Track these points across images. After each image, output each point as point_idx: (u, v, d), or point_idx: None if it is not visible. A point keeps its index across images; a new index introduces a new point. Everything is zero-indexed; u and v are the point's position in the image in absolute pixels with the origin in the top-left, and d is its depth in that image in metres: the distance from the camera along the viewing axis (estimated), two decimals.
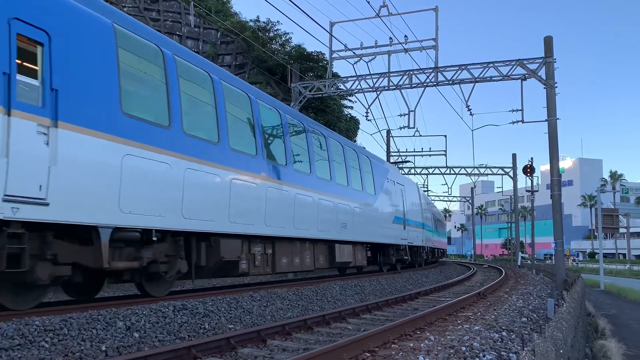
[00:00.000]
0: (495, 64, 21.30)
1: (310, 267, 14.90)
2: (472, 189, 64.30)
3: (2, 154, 6.38)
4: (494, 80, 21.62)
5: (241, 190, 11.07)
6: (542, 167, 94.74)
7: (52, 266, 7.42)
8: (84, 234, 7.80)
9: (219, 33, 38.26)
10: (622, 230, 69.83)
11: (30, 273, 7.11)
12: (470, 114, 24.69)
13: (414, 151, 40.70)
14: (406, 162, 39.96)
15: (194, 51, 38.73)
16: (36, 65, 7.07)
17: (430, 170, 42.65)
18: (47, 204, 6.90)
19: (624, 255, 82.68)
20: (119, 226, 8.07)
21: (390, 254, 22.06)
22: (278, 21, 48.36)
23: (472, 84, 22.22)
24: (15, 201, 6.53)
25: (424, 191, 40.89)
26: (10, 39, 6.63)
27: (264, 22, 35.83)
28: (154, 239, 8.86)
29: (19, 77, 6.74)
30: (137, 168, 8.34)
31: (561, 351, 4.97)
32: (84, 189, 7.46)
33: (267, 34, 35.50)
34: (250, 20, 37.38)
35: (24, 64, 6.97)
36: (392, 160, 39.93)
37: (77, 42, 7.61)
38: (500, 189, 62.34)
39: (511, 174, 43.71)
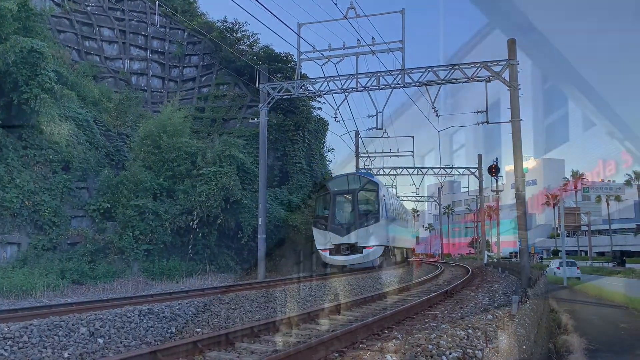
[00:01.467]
0: (461, 66, 21.60)
1: (399, 260, 30.22)
2: (439, 189, 65.10)
3: (386, 232, 24.41)
4: (460, 82, 21.92)
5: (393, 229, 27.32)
6: (507, 167, 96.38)
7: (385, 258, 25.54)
8: (386, 250, 24.78)
9: (186, 33, 37.77)
10: (583, 228, 71.85)
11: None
12: (437, 115, 24.99)
13: (382, 152, 40.86)
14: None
15: (160, 51, 37.89)
16: (382, 204, 24.21)
17: (399, 171, 43.02)
18: (389, 241, 25.17)
19: (586, 252, 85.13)
20: (391, 246, 26.18)
21: (409, 253, 38.49)
22: (246, 22, 48.05)
23: (439, 86, 22.52)
24: (388, 240, 24.97)
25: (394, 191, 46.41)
26: (381, 198, 24.35)
27: (231, 22, 35.52)
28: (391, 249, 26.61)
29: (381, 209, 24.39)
30: (397, 231, 28.85)
31: (524, 347, 5.08)
32: (391, 237, 25.69)
33: (234, 35, 35.19)
34: (218, 20, 37.01)
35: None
36: (360, 162, 40.25)
37: (384, 194, 24.95)
38: (466, 189, 63.27)
39: (477, 174, 44.47)
